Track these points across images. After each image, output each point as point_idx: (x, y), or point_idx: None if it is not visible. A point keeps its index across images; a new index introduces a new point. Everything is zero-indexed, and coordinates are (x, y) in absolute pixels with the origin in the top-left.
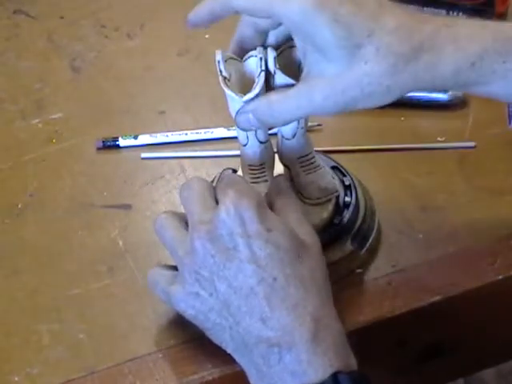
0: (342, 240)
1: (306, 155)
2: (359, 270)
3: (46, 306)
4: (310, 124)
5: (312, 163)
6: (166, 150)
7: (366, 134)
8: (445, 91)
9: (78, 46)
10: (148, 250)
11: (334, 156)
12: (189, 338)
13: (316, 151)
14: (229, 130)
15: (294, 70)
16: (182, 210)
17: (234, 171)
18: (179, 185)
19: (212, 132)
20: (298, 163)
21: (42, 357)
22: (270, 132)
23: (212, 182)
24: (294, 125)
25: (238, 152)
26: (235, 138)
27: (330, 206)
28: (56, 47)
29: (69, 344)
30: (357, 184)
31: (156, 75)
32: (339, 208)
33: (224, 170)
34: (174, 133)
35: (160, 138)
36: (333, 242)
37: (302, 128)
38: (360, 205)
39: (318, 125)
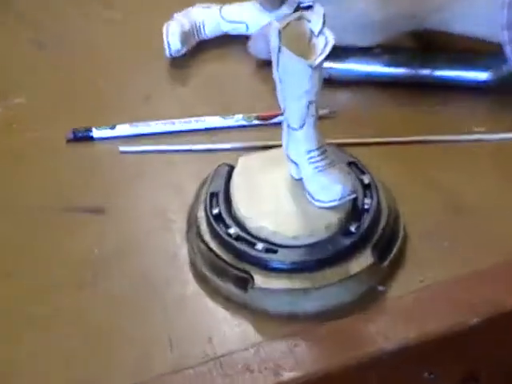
0: (361, 251)
1: (317, 149)
2: (381, 288)
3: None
4: (321, 111)
5: (324, 159)
6: (149, 142)
7: (388, 123)
8: (485, 69)
9: (45, 17)
10: (128, 261)
11: (350, 150)
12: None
13: (329, 144)
14: (225, 118)
15: (302, 43)
16: (168, 214)
17: (231, 167)
18: (166, 184)
19: (204, 121)
20: (307, 159)
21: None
22: (275, 121)
23: (205, 181)
24: (302, 112)
25: (236, 144)
26: (232, 127)
27: (346, 211)
28: (19, 18)
29: None
30: (378, 183)
31: (140, 53)
32: (357, 212)
33: (219, 165)
34: (159, 122)
35: (142, 127)
36: (349, 253)
37: (313, 116)
38: (382, 208)
39: (332, 112)
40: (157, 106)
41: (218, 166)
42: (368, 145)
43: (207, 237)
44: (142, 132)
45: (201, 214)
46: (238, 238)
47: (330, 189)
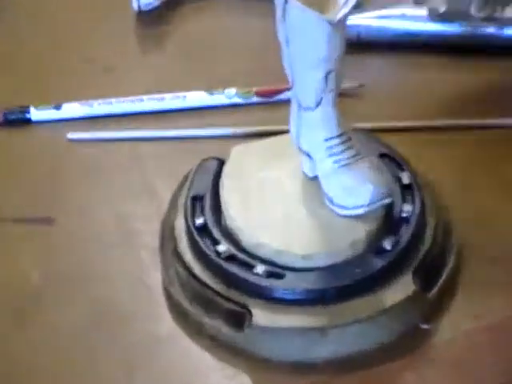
0: (398, 276)
1: (338, 136)
2: (425, 326)
3: None
4: (344, 85)
5: (347, 149)
6: (109, 127)
7: (435, 101)
8: None
9: None
10: (80, 288)
11: (383, 137)
12: None
13: (355, 130)
14: (212, 94)
15: None
16: (134, 225)
17: (221, 162)
18: (131, 184)
19: (185, 98)
20: (325, 150)
21: None
22: (281, 98)
23: (185, 180)
24: (317, 86)
25: (227, 130)
26: (222, 107)
27: (378, 221)
28: None
29: None
30: (421, 183)
31: (98, 8)
32: (393, 223)
33: (205, 159)
34: (123, 99)
35: (99, 107)
36: (383, 279)
37: (332, 91)
38: (427, 218)
39: (359, 86)
40: (120, 79)
41: (203, 159)
42: (408, 130)
43: (188, 256)
44: (99, 113)
45: (179, 225)
46: (230, 259)
47: (355, 191)
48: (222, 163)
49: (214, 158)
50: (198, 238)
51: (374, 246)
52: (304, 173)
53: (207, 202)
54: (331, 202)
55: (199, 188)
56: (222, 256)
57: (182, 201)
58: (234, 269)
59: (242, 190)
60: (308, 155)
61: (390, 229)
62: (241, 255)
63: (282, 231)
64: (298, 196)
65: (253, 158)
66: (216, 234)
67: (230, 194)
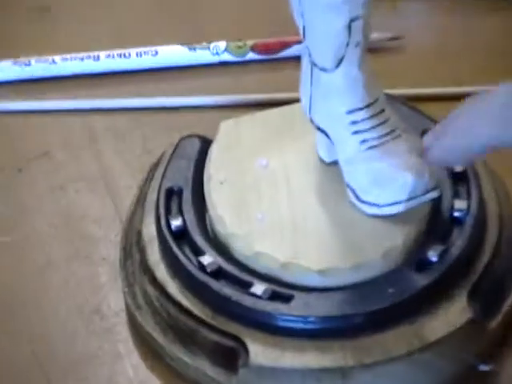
0: (448, 298)
1: (367, 107)
2: (484, 367)
3: None
4: (376, 37)
5: (379, 125)
6: (52, 94)
7: (493, 57)
8: None
9: None
10: (13, 319)
11: (428, 107)
12: None
13: (389, 99)
14: (194, 50)
15: None
16: (86, 229)
17: (205, 141)
18: (84, 172)
19: (156, 54)
20: (349, 125)
21: None
22: (287, 54)
23: (156, 166)
24: (338, 38)
25: (214, 98)
26: (208, 66)
27: (420, 223)
28: None
29: None
30: (480, 171)
31: None
32: (441, 227)
33: (184, 138)
34: (69, 56)
35: (38, 66)
36: (428, 301)
37: (357, 45)
38: (488, 218)
39: (394, 38)
40: (67, 29)
41: (181, 138)
42: (461, 97)
43: (161, 272)
44: (36, 75)
45: (148, 229)
46: (218, 274)
47: (389, 182)
48: (206, 144)
49: (195, 137)
50: (174, 247)
51: (414, 258)
52: (319, 157)
53: (187, 198)
54: (356, 197)
55: (176, 178)
56: (208, 270)
57: (151, 196)
58: (223, 288)
59: (233, 181)
60: (325, 133)
61: (436, 234)
62: (233, 270)
63: (288, 237)
64: (310, 190)
65: (248, 137)
66: (199, 241)
67: (217, 187)
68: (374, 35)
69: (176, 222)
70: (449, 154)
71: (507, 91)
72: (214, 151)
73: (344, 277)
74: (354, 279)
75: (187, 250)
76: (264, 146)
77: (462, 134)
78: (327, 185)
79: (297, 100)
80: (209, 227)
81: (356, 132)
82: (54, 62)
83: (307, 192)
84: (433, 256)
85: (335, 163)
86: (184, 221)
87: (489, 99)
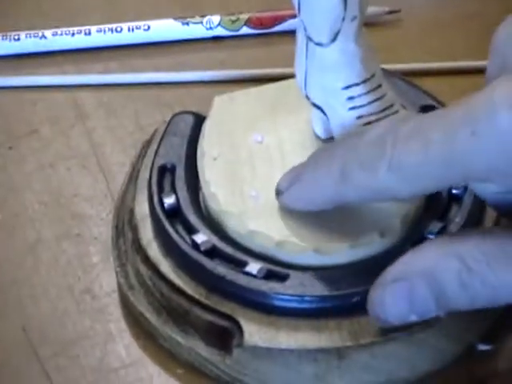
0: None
1: (364, 82)
2: (485, 346)
3: None
4: (372, 9)
5: (376, 100)
6: (39, 69)
7: (491, 30)
8: None
9: None
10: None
11: (426, 82)
12: None
13: (386, 74)
14: (186, 24)
15: None
16: (76, 208)
17: (198, 118)
18: (73, 150)
19: (148, 29)
20: (346, 101)
21: None
22: (282, 28)
23: (148, 144)
24: (334, 11)
25: (206, 73)
26: (201, 40)
27: (418, 200)
28: None
29: None
30: None
31: None
32: (439, 204)
33: (176, 114)
34: (58, 31)
35: (25, 41)
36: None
37: (354, 19)
38: None
39: (392, 11)
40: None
41: (174, 115)
42: (462, 73)
43: (154, 251)
44: (25, 50)
45: (141, 207)
46: (212, 253)
47: None
48: (200, 120)
49: (188, 113)
50: (167, 226)
51: (412, 236)
52: (315, 134)
53: (180, 176)
54: None
55: (169, 155)
56: (201, 249)
57: (144, 173)
58: (217, 267)
59: (227, 157)
60: (320, 109)
61: (434, 211)
62: (227, 248)
63: (283, 215)
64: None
65: (243, 112)
66: (193, 219)
67: (211, 164)
68: (371, 9)
69: (169, 200)
70: (297, 204)
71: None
72: (208, 127)
73: (341, 255)
74: (351, 258)
75: (180, 229)
76: (259, 121)
77: (310, 184)
78: None
79: (292, 75)
80: (202, 205)
81: (352, 108)
82: (44, 36)
83: None
84: (431, 234)
85: (331, 140)
86: (177, 199)
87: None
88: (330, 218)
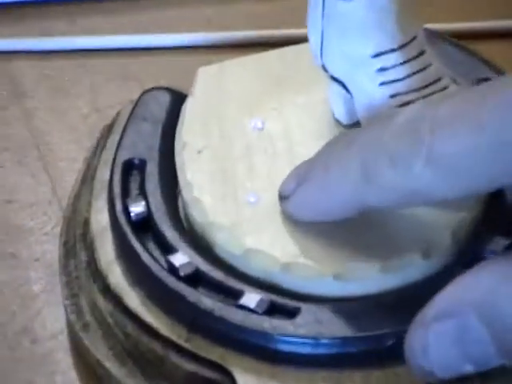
0: None
1: (401, 48)
2: None
3: None
4: None
5: (417, 72)
6: None
7: None
8: None
9: None
10: None
11: (481, 46)
12: None
13: (430, 34)
14: None
15: None
16: (12, 221)
17: (176, 97)
18: (6, 140)
19: None
20: (375, 74)
21: None
22: None
23: (109, 131)
24: None
25: (190, 38)
26: None
27: (476, 209)
28: None
29: None
30: None
31: None
32: (505, 212)
33: (147, 90)
34: None
35: None
36: None
37: None
38: None
39: None
40: None
41: (144, 92)
42: None
43: (116, 276)
44: None
45: (99, 218)
46: (195, 280)
47: None
48: (178, 99)
49: (163, 90)
50: (134, 242)
51: (466, 256)
52: (333, 118)
53: (152, 175)
54: None
55: (136, 147)
56: (181, 274)
57: (103, 172)
58: (202, 299)
59: (216, 150)
60: (342, 85)
61: (496, 223)
62: (215, 273)
63: (292, 228)
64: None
65: (236, 89)
66: (169, 233)
67: (194, 159)
68: None
69: (137, 208)
70: (305, 212)
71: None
72: (189, 109)
73: (369, 282)
74: (384, 286)
75: (152, 247)
76: (257, 101)
77: (323, 186)
78: None
79: (303, 39)
80: (182, 215)
81: (384, 83)
82: None
83: None
84: (493, 253)
85: (356, 126)
86: (148, 206)
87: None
88: (354, 232)
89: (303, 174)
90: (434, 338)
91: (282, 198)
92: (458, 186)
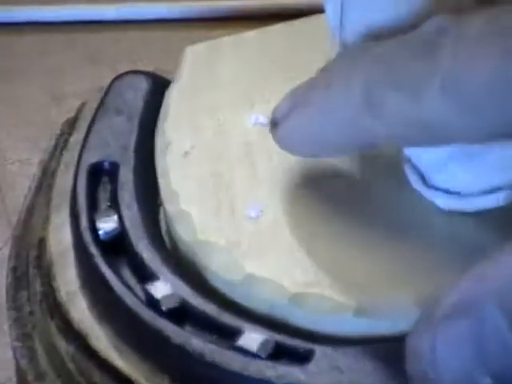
0: None
1: None
2: None
3: None
4: None
5: None
6: None
7: None
8: None
9: None
10: None
11: None
12: None
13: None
14: None
15: None
16: None
17: (157, 83)
18: None
19: None
20: None
21: None
22: None
23: (70, 128)
24: None
25: (175, 8)
26: None
27: None
28: None
29: None
30: None
31: None
32: None
33: (117, 77)
34: None
35: None
36: None
37: None
38: None
39: None
40: None
41: (116, 77)
42: None
43: (80, 313)
44: None
45: (58, 236)
46: (181, 316)
47: (485, 150)
48: (159, 86)
49: (141, 75)
50: (103, 267)
51: None
52: None
53: (126, 182)
54: (422, 178)
55: (106, 148)
56: (163, 309)
57: (63, 179)
58: (189, 339)
59: (207, 151)
60: None
61: None
62: (206, 306)
63: (303, 250)
64: (339, 166)
65: (233, 74)
66: (148, 256)
67: (180, 163)
68: None
69: (107, 224)
70: (298, 141)
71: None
72: (174, 99)
73: (401, 319)
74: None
75: (127, 273)
76: (259, 89)
77: (320, 110)
78: (368, 157)
79: (316, 9)
80: (164, 233)
81: None
82: None
83: (334, 170)
84: None
85: None
86: (121, 221)
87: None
88: (382, 255)
89: (300, 94)
90: (444, 339)
91: (273, 124)
92: (478, 124)
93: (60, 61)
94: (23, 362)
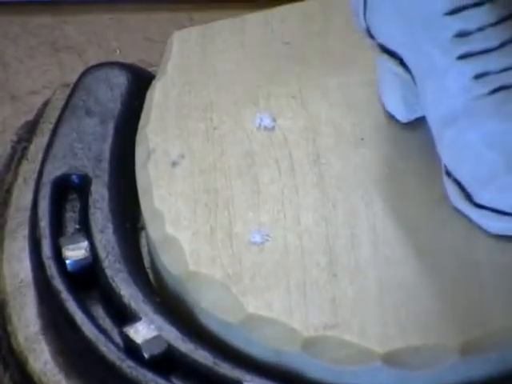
0: None
1: (490, 0)
2: None
3: None
4: None
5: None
6: None
7: None
8: None
9: None
10: None
11: None
12: None
13: None
14: None
15: None
16: None
17: (139, 75)
18: None
19: None
20: (453, 37)
21: None
22: None
23: (33, 126)
24: None
25: None
26: None
27: None
28: None
29: None
30: None
31: None
32: None
33: (87, 70)
34: None
35: None
36: None
37: None
38: None
39: None
40: None
41: (86, 69)
42: None
43: (41, 363)
44: None
45: (16, 267)
46: (167, 366)
47: None
48: (140, 81)
49: (117, 67)
50: (72, 306)
51: None
52: (384, 111)
53: (100, 200)
54: (466, 194)
55: (75, 158)
56: (146, 356)
57: (21, 194)
58: None
59: (200, 161)
60: (398, 59)
61: None
62: (198, 354)
63: (319, 283)
64: (362, 181)
65: (231, 65)
66: (127, 291)
67: (167, 176)
68: None
69: (76, 253)
70: None
71: None
72: (159, 96)
73: (442, 370)
74: (467, 373)
75: (100, 312)
76: (263, 85)
77: None
78: (399, 171)
79: None
80: (147, 262)
81: (466, 56)
82: None
83: (356, 186)
84: None
85: (419, 124)
86: (93, 248)
87: None
88: (417, 291)
89: None
90: None
91: None
92: None
93: (17, 49)
94: None
